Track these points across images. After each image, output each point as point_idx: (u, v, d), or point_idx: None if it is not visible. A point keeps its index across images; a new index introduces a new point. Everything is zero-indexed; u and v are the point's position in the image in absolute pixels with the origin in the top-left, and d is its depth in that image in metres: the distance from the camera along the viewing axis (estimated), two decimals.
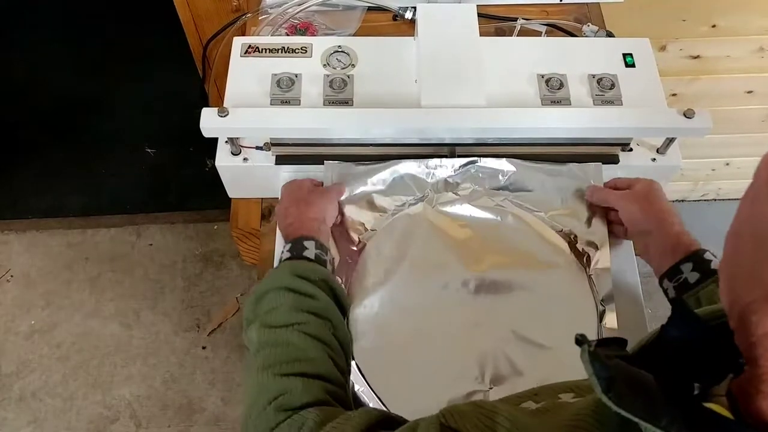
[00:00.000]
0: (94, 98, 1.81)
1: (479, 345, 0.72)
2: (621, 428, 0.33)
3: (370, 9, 0.97)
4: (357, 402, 0.68)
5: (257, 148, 0.83)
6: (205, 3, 1.12)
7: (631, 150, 0.85)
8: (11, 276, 1.71)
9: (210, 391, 1.57)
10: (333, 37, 0.90)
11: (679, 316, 0.36)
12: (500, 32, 0.97)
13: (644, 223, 0.73)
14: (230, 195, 0.90)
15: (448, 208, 0.80)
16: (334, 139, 0.81)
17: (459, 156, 0.82)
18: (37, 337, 1.63)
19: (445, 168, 0.80)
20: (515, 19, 0.96)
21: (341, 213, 0.78)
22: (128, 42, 1.68)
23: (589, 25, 0.96)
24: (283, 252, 0.69)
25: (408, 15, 0.95)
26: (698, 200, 1.88)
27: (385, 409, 0.68)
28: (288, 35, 0.93)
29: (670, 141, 0.83)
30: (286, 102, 0.81)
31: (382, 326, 0.73)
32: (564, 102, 0.83)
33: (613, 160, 0.84)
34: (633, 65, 0.86)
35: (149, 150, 1.83)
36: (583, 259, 0.78)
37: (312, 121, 0.78)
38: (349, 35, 0.95)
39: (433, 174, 0.80)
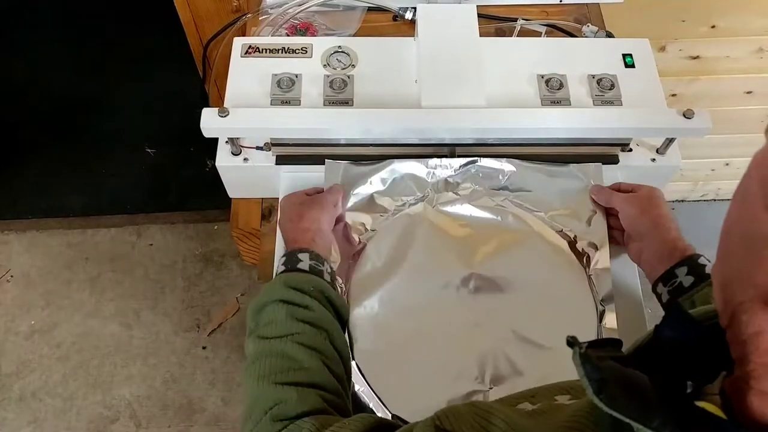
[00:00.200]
0: (94, 98, 1.81)
1: (479, 345, 0.72)
2: (614, 429, 0.33)
3: (370, 9, 0.97)
4: (357, 402, 0.68)
5: (257, 148, 0.83)
6: (205, 3, 1.12)
7: (630, 150, 0.85)
8: (11, 276, 1.71)
9: (210, 391, 1.58)
10: (333, 38, 0.91)
11: (673, 316, 0.36)
12: (500, 33, 0.98)
13: (641, 226, 0.74)
14: (230, 195, 0.90)
15: (449, 208, 0.80)
16: (334, 140, 0.81)
17: (459, 156, 0.82)
18: (37, 337, 1.63)
19: (446, 168, 0.81)
20: (515, 20, 0.96)
21: (342, 214, 0.78)
22: (128, 42, 1.68)
23: (588, 26, 0.96)
24: (278, 266, 0.70)
25: (408, 15, 0.95)
26: (698, 200, 1.88)
27: (385, 409, 0.68)
28: (288, 35, 0.93)
29: (669, 141, 0.83)
30: (286, 102, 0.81)
31: (382, 326, 0.73)
32: (564, 102, 0.83)
33: (612, 160, 0.84)
34: (633, 66, 0.86)
35: (149, 150, 1.83)
36: (583, 259, 0.78)
37: (312, 121, 0.78)
38: (350, 36, 0.95)
39: (434, 174, 0.81)
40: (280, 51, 0.85)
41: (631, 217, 0.75)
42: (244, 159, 0.83)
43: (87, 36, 1.71)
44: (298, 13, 0.94)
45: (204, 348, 1.62)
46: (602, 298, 0.75)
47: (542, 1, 1.00)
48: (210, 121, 0.76)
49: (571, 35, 0.97)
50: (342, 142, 0.82)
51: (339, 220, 0.78)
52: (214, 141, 0.83)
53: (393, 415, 0.68)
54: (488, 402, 0.45)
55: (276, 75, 0.82)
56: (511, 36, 0.96)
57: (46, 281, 1.70)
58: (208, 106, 0.77)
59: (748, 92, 1.42)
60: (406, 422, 0.66)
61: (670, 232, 0.72)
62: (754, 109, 1.46)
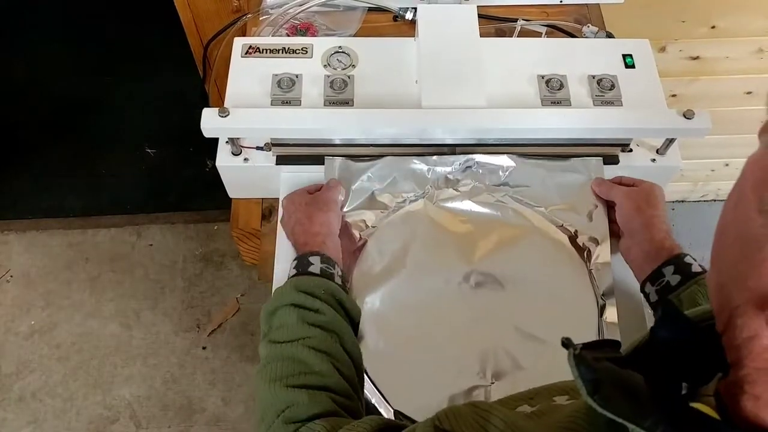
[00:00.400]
0: (94, 98, 1.82)
1: (480, 340, 0.72)
2: (609, 429, 0.33)
3: (370, 10, 0.97)
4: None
5: (258, 148, 0.83)
6: (205, 3, 1.12)
7: (631, 151, 0.85)
8: (11, 276, 1.71)
9: (210, 391, 1.58)
10: (333, 38, 0.91)
11: (669, 317, 0.36)
12: (500, 33, 0.98)
13: (634, 223, 0.74)
14: (231, 195, 0.90)
15: (449, 204, 0.81)
16: (334, 140, 0.81)
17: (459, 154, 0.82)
18: (37, 338, 1.63)
19: (445, 164, 0.81)
20: (515, 20, 0.96)
21: (342, 211, 0.78)
22: (128, 42, 1.69)
23: (589, 26, 0.96)
24: (290, 269, 0.70)
25: (408, 16, 0.95)
26: (698, 201, 1.88)
27: (387, 405, 0.69)
28: (288, 36, 0.93)
29: (669, 142, 0.84)
30: (286, 102, 0.81)
31: (384, 322, 0.73)
32: (564, 103, 0.83)
33: (613, 160, 0.84)
34: (633, 66, 0.87)
35: (149, 150, 1.83)
36: (583, 253, 0.78)
37: (312, 121, 0.78)
38: (350, 36, 0.95)
39: (434, 170, 0.81)
40: (280, 51, 0.85)
41: (626, 213, 0.75)
42: (245, 159, 0.83)
43: (87, 36, 1.72)
44: (299, 13, 0.94)
45: (204, 348, 1.62)
46: (603, 292, 0.75)
47: (542, 1, 1.00)
48: (210, 122, 0.76)
49: (572, 36, 0.97)
50: (342, 142, 0.82)
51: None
52: (214, 141, 0.83)
53: (395, 411, 0.68)
54: (488, 402, 0.45)
55: (276, 75, 0.82)
56: (512, 36, 0.96)
57: (46, 281, 1.70)
58: (208, 106, 0.77)
59: (748, 93, 1.43)
60: (408, 418, 0.67)
61: (660, 232, 0.72)
62: (754, 109, 1.46)
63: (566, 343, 0.35)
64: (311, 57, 0.85)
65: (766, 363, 0.30)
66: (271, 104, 0.81)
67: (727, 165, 1.70)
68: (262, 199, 0.89)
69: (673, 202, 1.87)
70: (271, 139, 0.82)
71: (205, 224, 1.78)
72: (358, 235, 0.78)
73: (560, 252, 0.78)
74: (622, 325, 0.73)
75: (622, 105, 0.83)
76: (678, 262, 0.68)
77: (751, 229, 0.30)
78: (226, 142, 0.82)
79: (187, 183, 1.81)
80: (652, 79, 0.86)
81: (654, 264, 0.70)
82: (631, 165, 0.84)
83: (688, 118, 0.78)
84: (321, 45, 0.86)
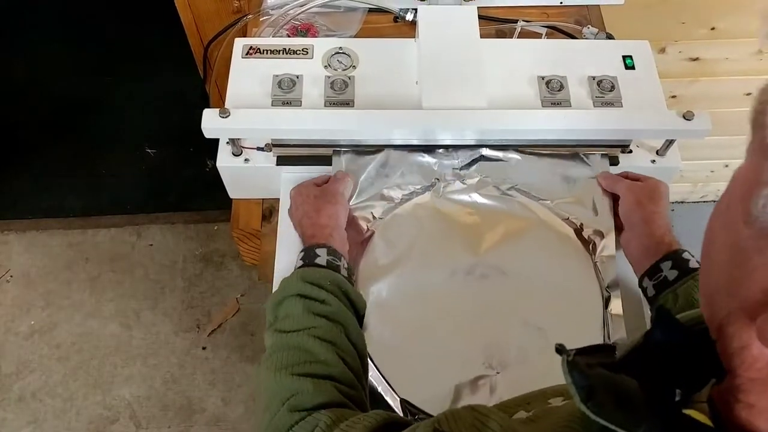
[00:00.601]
0: (94, 98, 1.81)
1: (486, 331, 0.73)
2: None
3: (371, 11, 0.98)
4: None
5: (258, 149, 0.83)
6: (206, 4, 1.12)
7: (630, 152, 0.86)
8: (11, 276, 1.71)
9: (210, 391, 1.58)
10: (334, 39, 0.91)
11: (662, 322, 0.37)
12: (501, 34, 0.98)
13: (634, 218, 0.75)
14: (231, 196, 0.90)
15: (456, 197, 0.81)
16: (335, 141, 0.82)
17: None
18: (37, 338, 1.63)
19: (452, 157, 0.82)
20: (515, 21, 0.96)
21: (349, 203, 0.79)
22: (128, 42, 1.69)
23: (589, 27, 0.96)
24: (296, 260, 0.71)
25: (409, 17, 0.96)
26: (697, 202, 1.88)
27: (394, 393, 0.69)
28: (289, 36, 0.93)
29: (669, 143, 0.84)
30: (287, 103, 0.81)
31: (391, 313, 0.74)
32: (564, 104, 0.83)
33: (613, 161, 0.85)
34: (633, 67, 0.87)
35: (149, 150, 1.83)
36: (589, 246, 0.79)
37: (313, 122, 0.78)
38: (350, 37, 0.95)
39: (441, 163, 0.82)
40: (281, 52, 0.85)
41: (627, 207, 0.76)
42: (245, 160, 0.83)
43: (87, 36, 1.71)
44: (299, 14, 0.94)
45: (204, 348, 1.62)
46: (608, 284, 0.76)
47: (543, 2, 1.00)
48: (211, 122, 0.76)
49: (572, 37, 0.97)
50: (343, 143, 0.82)
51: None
52: (215, 141, 0.83)
53: (402, 400, 0.69)
54: (487, 407, 0.46)
55: (277, 76, 0.83)
56: (512, 37, 0.96)
57: (46, 281, 1.70)
58: (208, 106, 0.78)
59: (748, 94, 1.43)
60: (415, 407, 0.68)
61: (660, 227, 0.73)
62: None
63: (560, 349, 0.35)
64: (312, 58, 0.85)
65: (759, 373, 0.30)
66: (272, 105, 0.81)
67: (726, 166, 1.70)
68: (263, 199, 0.89)
69: (673, 203, 1.87)
70: (272, 139, 0.82)
71: (206, 224, 1.78)
72: (365, 227, 0.79)
73: (566, 244, 0.79)
74: (627, 317, 0.74)
75: (622, 106, 0.84)
76: (676, 257, 0.69)
77: (738, 240, 0.30)
78: (227, 142, 0.82)
79: (188, 183, 1.81)
80: (652, 81, 0.86)
81: (652, 259, 0.71)
82: (631, 166, 0.85)
83: (687, 120, 0.78)
84: (321, 46, 0.86)
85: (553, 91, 0.84)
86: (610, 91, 0.84)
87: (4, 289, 1.69)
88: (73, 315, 1.66)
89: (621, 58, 0.87)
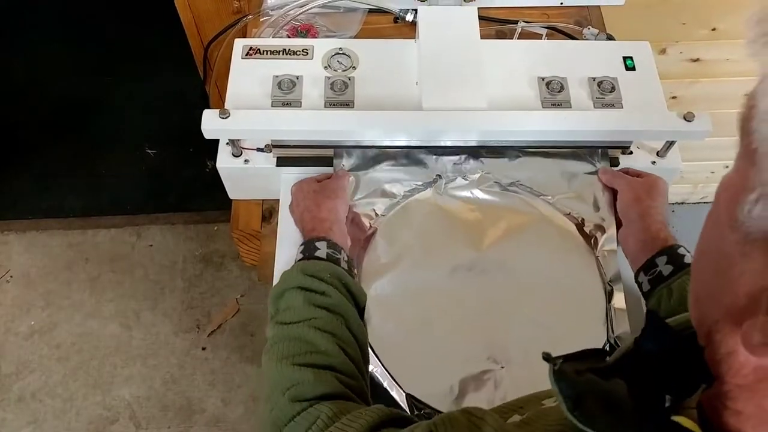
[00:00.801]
0: (94, 98, 1.82)
1: (489, 326, 0.74)
2: None
3: (371, 11, 0.97)
4: (371, 383, 0.69)
5: (258, 149, 0.83)
6: (206, 4, 1.12)
7: (631, 153, 0.85)
8: (11, 276, 1.71)
9: (210, 392, 1.57)
10: (334, 39, 0.91)
11: (652, 327, 0.37)
12: (501, 35, 0.98)
13: (631, 213, 0.76)
14: (231, 196, 0.90)
15: (458, 193, 0.82)
16: (335, 141, 0.81)
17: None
18: (37, 338, 1.63)
19: (454, 154, 0.82)
20: (516, 22, 0.96)
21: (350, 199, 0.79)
22: (128, 42, 1.69)
23: (589, 28, 0.96)
24: (297, 254, 0.71)
25: (409, 17, 0.95)
26: (698, 203, 1.88)
27: (399, 388, 0.70)
28: (289, 37, 0.93)
29: (670, 144, 0.84)
30: (287, 104, 0.81)
31: (394, 308, 0.74)
32: (564, 105, 0.83)
33: (613, 162, 0.84)
34: (633, 68, 0.87)
35: (149, 150, 1.83)
36: (590, 241, 0.79)
37: (313, 123, 0.78)
38: (350, 37, 0.95)
39: (442, 160, 0.82)
40: (281, 52, 0.85)
41: (625, 203, 0.77)
42: (245, 160, 0.83)
43: (87, 36, 1.72)
44: (299, 14, 0.94)
45: (204, 349, 1.62)
46: (610, 278, 0.77)
47: (543, 3, 1.00)
48: (211, 123, 0.76)
49: (572, 38, 0.97)
50: (343, 143, 0.82)
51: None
52: (215, 142, 0.83)
53: (407, 394, 0.69)
54: (483, 410, 0.46)
55: (277, 76, 0.82)
56: (512, 38, 0.96)
57: (46, 281, 1.70)
58: (208, 107, 0.78)
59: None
60: (420, 401, 0.68)
61: (656, 223, 0.73)
62: None
63: (546, 357, 0.35)
64: (312, 58, 0.85)
65: (745, 379, 0.30)
66: (272, 106, 0.81)
67: (726, 167, 1.69)
68: (263, 200, 0.89)
69: (673, 204, 1.87)
70: (272, 140, 0.82)
71: (205, 225, 1.78)
72: (368, 224, 0.79)
73: (567, 240, 0.80)
74: (630, 311, 0.75)
75: (622, 107, 0.83)
76: (671, 252, 0.69)
77: (724, 246, 0.30)
78: (227, 143, 0.82)
79: (188, 183, 1.81)
80: (652, 82, 0.86)
81: (648, 254, 0.71)
82: (631, 167, 0.84)
83: (688, 121, 0.78)
84: (321, 46, 0.86)
85: (554, 92, 0.84)
86: (611, 92, 0.84)
87: (4, 289, 1.69)
88: (73, 315, 1.66)
89: (621, 59, 0.87)
